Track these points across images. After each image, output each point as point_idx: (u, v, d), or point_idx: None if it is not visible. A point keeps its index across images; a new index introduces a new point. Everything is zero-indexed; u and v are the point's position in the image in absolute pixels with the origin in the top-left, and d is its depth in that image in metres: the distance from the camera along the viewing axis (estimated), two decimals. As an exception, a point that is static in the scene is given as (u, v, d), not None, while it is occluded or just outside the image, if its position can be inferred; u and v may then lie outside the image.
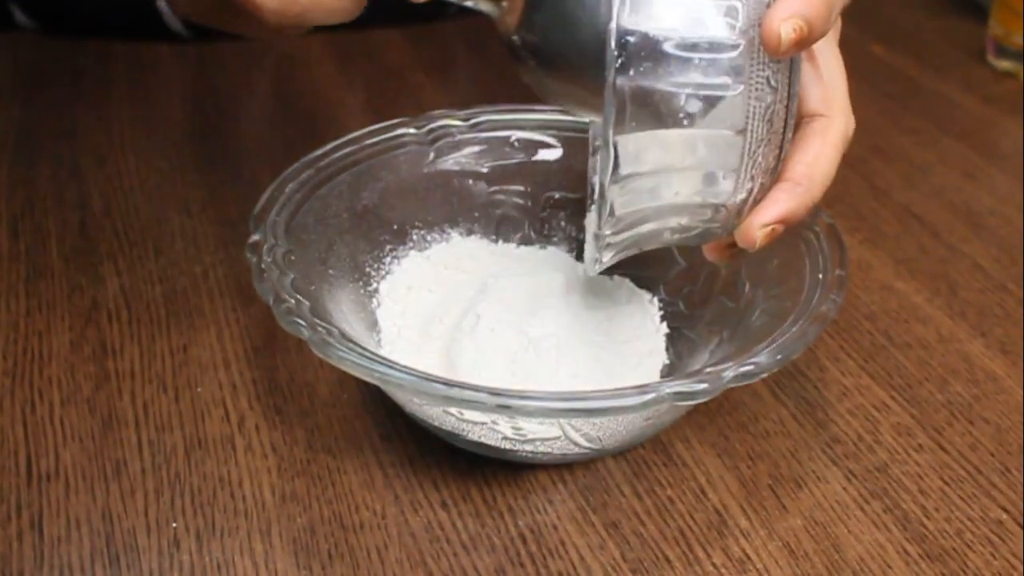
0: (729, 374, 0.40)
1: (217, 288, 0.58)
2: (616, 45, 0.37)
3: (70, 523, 0.45)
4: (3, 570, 0.43)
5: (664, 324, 0.52)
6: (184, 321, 0.55)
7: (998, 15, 0.83)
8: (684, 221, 0.42)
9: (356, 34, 0.85)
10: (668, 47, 0.38)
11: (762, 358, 0.41)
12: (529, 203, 0.56)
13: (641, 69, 0.38)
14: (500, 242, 0.56)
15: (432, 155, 0.55)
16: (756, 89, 0.39)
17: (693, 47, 0.38)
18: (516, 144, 0.55)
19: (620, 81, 0.38)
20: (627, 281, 0.54)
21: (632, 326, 0.51)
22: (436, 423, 0.46)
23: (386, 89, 0.79)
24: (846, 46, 0.47)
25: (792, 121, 0.42)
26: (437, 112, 0.56)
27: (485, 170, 0.56)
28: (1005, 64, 0.83)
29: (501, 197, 0.56)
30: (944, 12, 0.92)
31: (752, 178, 0.41)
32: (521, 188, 0.56)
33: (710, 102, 0.38)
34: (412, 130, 0.55)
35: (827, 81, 0.44)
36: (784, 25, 0.38)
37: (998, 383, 0.53)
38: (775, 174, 0.42)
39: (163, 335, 0.54)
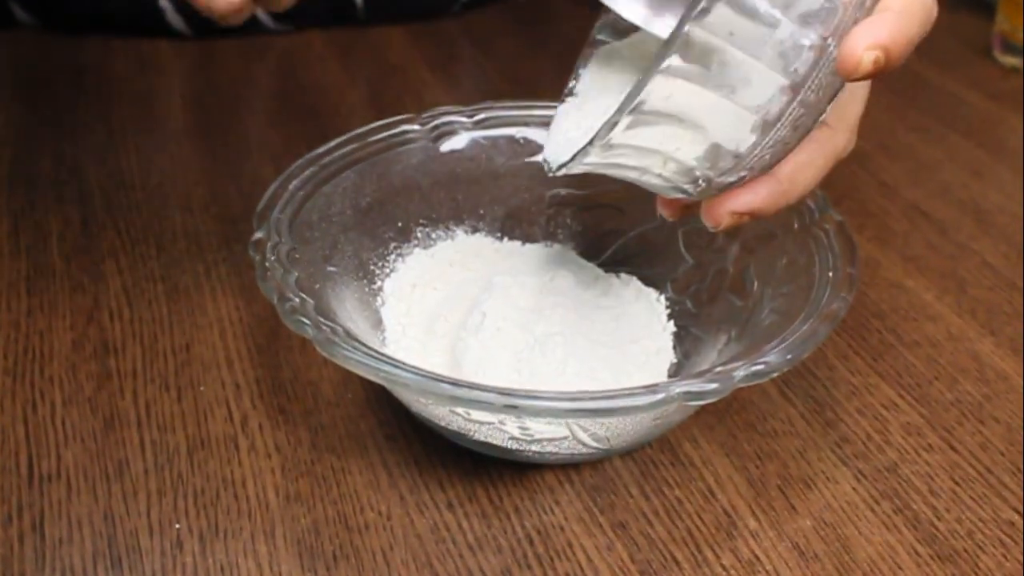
0: (739, 374, 0.40)
1: (220, 286, 0.57)
2: None
3: (72, 524, 0.44)
4: (4, 572, 0.42)
5: (671, 322, 0.52)
6: (186, 319, 0.55)
7: (1005, 11, 0.83)
8: (666, 173, 0.41)
9: (358, 31, 0.84)
10: (752, 15, 0.37)
11: (772, 357, 0.41)
12: (535, 200, 0.55)
13: (714, 27, 0.36)
14: (505, 240, 0.56)
15: (436, 152, 0.54)
16: (804, 95, 0.38)
17: (773, 29, 0.37)
18: (521, 141, 0.55)
19: (691, 27, 0.36)
20: (634, 279, 0.54)
21: (639, 325, 0.51)
22: (442, 423, 0.46)
23: (389, 86, 0.78)
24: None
25: (809, 132, 0.41)
26: (441, 108, 0.55)
27: (490, 167, 0.55)
28: (1011, 60, 0.83)
29: (506, 194, 0.55)
30: (950, 8, 0.91)
31: (750, 169, 0.40)
32: (526, 185, 0.55)
33: (758, 87, 0.37)
34: (416, 126, 0.54)
35: (848, 93, 0.43)
36: (867, 54, 0.37)
37: (1008, 382, 0.53)
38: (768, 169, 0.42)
39: (165, 334, 0.54)
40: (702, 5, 0.35)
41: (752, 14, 0.36)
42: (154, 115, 0.74)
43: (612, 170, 0.42)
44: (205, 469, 0.47)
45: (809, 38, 0.37)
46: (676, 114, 0.38)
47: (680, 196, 0.43)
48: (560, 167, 0.43)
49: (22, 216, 0.62)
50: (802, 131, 0.40)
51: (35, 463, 0.47)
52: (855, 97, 0.44)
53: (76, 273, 0.58)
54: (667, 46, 0.36)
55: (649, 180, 0.42)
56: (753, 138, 0.39)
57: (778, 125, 0.39)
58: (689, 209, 0.44)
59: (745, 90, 0.38)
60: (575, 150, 0.40)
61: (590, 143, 0.39)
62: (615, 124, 0.38)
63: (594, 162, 0.41)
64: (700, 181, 0.41)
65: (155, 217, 0.62)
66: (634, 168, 0.41)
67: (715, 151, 0.40)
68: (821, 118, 0.41)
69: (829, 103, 0.40)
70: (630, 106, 0.37)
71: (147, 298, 0.56)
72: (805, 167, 0.42)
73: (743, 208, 0.42)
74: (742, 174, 0.41)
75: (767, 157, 0.40)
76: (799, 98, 0.38)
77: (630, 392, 0.39)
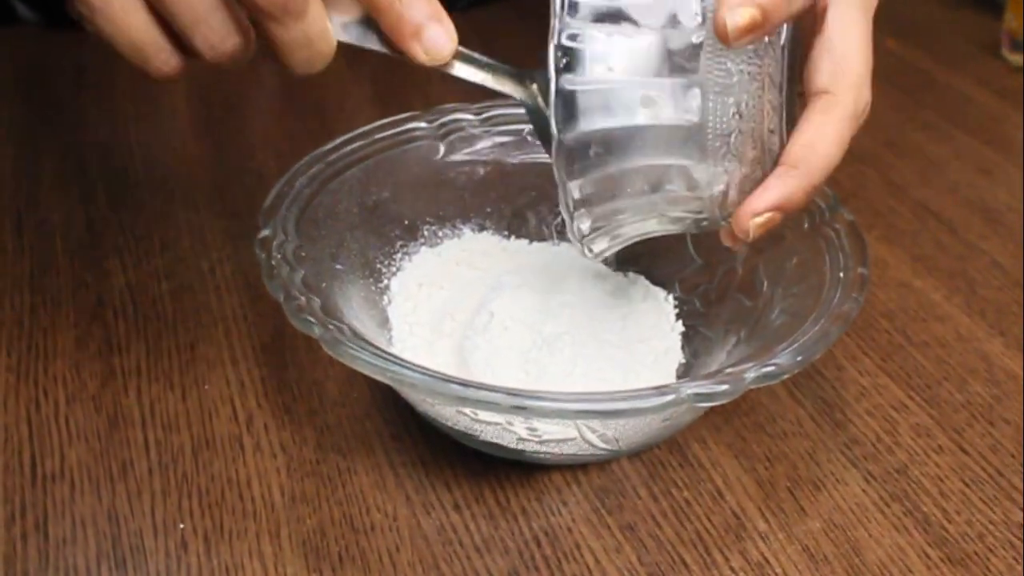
0: (750, 375, 0.40)
1: (224, 284, 0.57)
2: (557, 49, 0.38)
3: (76, 524, 0.44)
4: (7, 573, 0.42)
5: (679, 322, 0.51)
6: (191, 318, 0.55)
7: (1013, 9, 0.82)
8: (669, 213, 0.42)
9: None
10: (616, 38, 0.37)
11: (783, 359, 0.41)
12: (542, 199, 0.55)
13: (584, 70, 0.38)
14: (513, 238, 0.55)
15: (444, 150, 0.54)
16: (713, 82, 0.38)
17: (644, 38, 0.38)
18: (529, 139, 0.54)
19: (563, 83, 0.38)
20: (642, 279, 0.53)
21: (647, 324, 0.50)
22: (449, 423, 0.45)
23: (394, 82, 0.78)
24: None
25: (780, 106, 0.41)
26: (448, 106, 0.55)
27: (497, 165, 0.55)
28: (1019, 58, 0.82)
29: (514, 193, 0.55)
30: (958, 6, 0.91)
31: (726, 171, 0.40)
32: (534, 183, 0.55)
33: (661, 106, 0.38)
34: (423, 124, 0.54)
35: (839, 54, 0.41)
36: (732, 15, 0.36)
37: (1018, 383, 0.52)
38: (770, 161, 0.41)
39: (170, 332, 0.54)
40: (559, 55, 0.38)
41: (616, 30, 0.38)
42: (158, 112, 0.73)
43: (632, 233, 0.44)
44: (210, 469, 0.46)
45: (689, 30, 0.38)
46: (611, 159, 0.39)
47: (709, 226, 0.43)
48: (585, 252, 0.45)
49: (25, 213, 0.62)
50: (753, 111, 0.40)
51: (39, 462, 0.47)
52: (848, 55, 0.42)
53: (80, 271, 0.57)
54: (550, 110, 0.38)
55: (673, 228, 0.44)
56: (696, 140, 0.39)
57: (710, 119, 0.39)
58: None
59: (656, 110, 0.38)
60: None
61: (580, 240, 0.43)
62: (574, 221, 0.41)
63: (609, 242, 0.44)
64: (700, 200, 0.41)
65: (159, 214, 0.62)
66: (645, 223, 0.43)
67: (679, 171, 0.40)
68: (780, 91, 0.40)
69: (770, 76, 0.40)
70: (571, 208, 0.40)
71: (151, 296, 0.56)
72: (814, 141, 0.41)
73: (762, 207, 0.40)
74: (724, 179, 0.41)
75: (732, 150, 0.40)
76: (712, 86, 0.38)
77: (640, 393, 0.39)
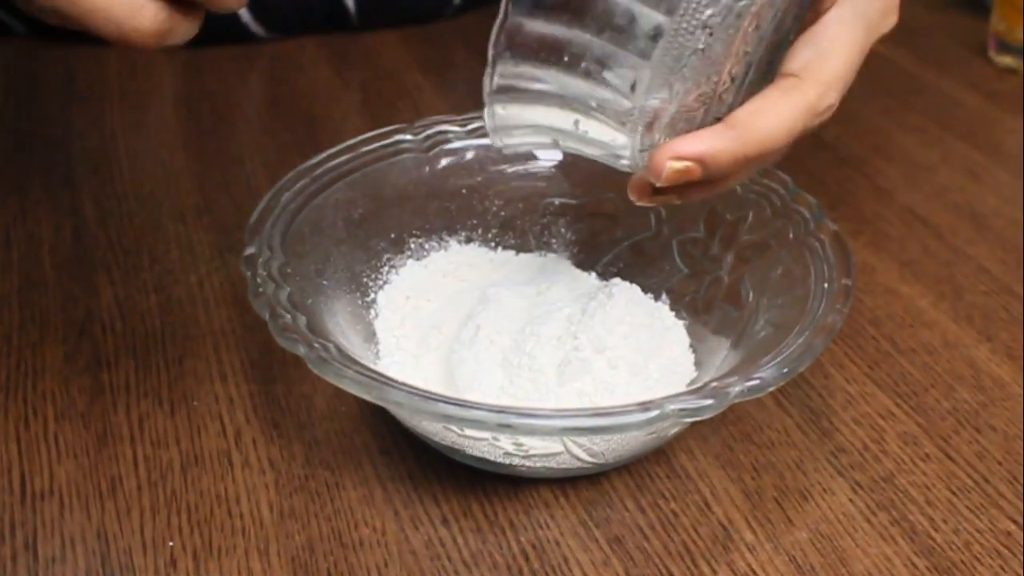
0: (735, 389, 0.40)
1: (213, 297, 0.57)
2: None
3: (65, 543, 0.44)
4: (-3, 592, 0.42)
5: (671, 334, 0.51)
6: (180, 332, 0.55)
7: (1000, 10, 0.82)
8: (592, 109, 0.39)
9: (351, 35, 0.84)
10: None
11: (768, 372, 0.41)
12: (528, 210, 0.55)
13: None
14: (499, 250, 0.55)
15: (429, 162, 0.54)
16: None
17: None
18: (515, 150, 0.55)
19: None
20: (634, 288, 0.53)
21: (637, 336, 0.50)
22: (436, 438, 0.45)
23: (383, 91, 0.78)
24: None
25: (749, 66, 0.40)
26: (434, 118, 0.55)
27: (483, 177, 0.55)
28: (1007, 60, 0.82)
29: (500, 204, 0.55)
30: (945, 7, 0.92)
31: (670, 86, 0.38)
32: (520, 194, 0.55)
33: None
34: (409, 136, 0.54)
35: (822, 49, 0.41)
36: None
37: (1005, 389, 0.53)
38: (713, 116, 0.40)
39: (158, 347, 0.54)
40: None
41: None
42: (146, 123, 0.73)
43: (540, 117, 0.41)
44: (199, 485, 0.47)
45: None
46: (562, 46, 0.38)
47: (626, 162, 0.41)
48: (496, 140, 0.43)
49: (13, 226, 0.62)
50: (725, 38, 0.38)
51: (27, 480, 0.47)
52: (830, 54, 0.41)
53: (68, 285, 0.58)
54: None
55: (581, 139, 0.41)
56: (668, 43, 0.37)
57: (682, 17, 0.37)
58: (659, 194, 0.43)
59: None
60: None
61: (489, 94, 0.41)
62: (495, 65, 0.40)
63: (515, 110, 0.42)
64: (641, 116, 0.39)
65: (148, 227, 0.62)
66: (560, 111, 0.40)
67: (630, 66, 0.38)
68: (757, 49, 0.39)
69: (757, 19, 0.38)
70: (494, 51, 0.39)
71: (140, 311, 0.56)
72: (763, 112, 0.40)
73: (684, 152, 0.39)
74: (677, 88, 0.38)
75: (701, 82, 0.38)
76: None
77: (624, 409, 0.39)
